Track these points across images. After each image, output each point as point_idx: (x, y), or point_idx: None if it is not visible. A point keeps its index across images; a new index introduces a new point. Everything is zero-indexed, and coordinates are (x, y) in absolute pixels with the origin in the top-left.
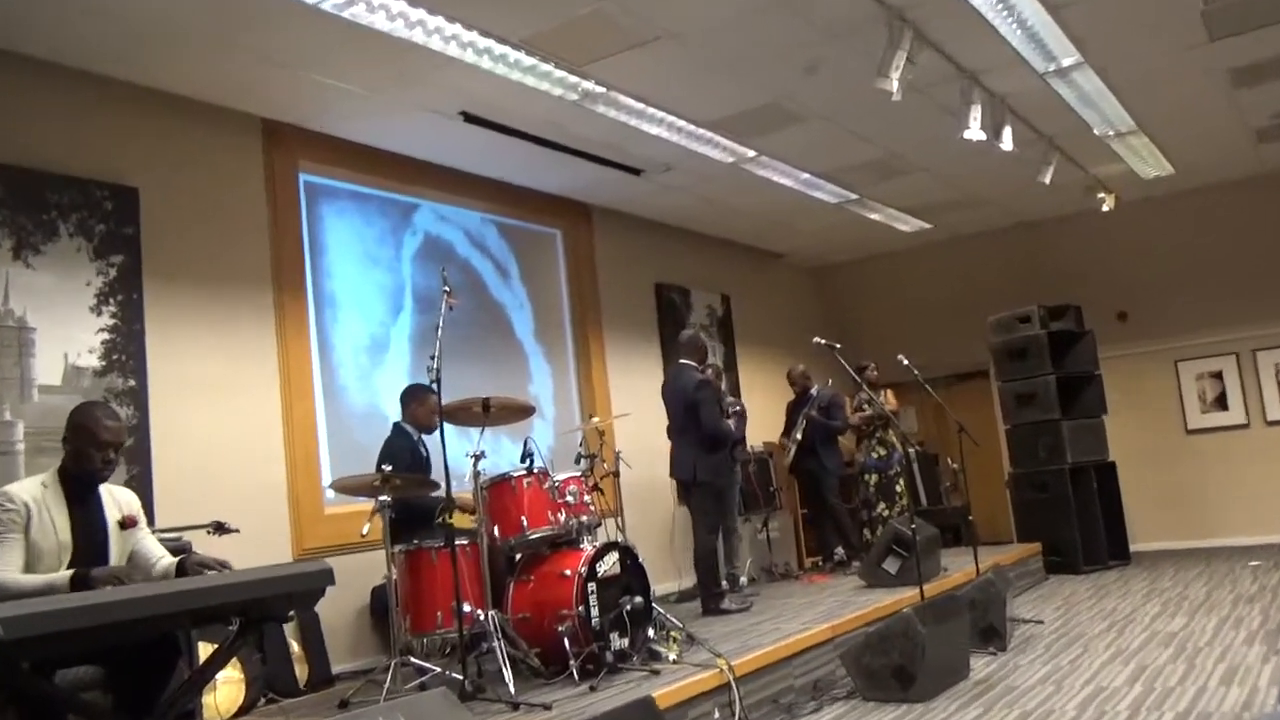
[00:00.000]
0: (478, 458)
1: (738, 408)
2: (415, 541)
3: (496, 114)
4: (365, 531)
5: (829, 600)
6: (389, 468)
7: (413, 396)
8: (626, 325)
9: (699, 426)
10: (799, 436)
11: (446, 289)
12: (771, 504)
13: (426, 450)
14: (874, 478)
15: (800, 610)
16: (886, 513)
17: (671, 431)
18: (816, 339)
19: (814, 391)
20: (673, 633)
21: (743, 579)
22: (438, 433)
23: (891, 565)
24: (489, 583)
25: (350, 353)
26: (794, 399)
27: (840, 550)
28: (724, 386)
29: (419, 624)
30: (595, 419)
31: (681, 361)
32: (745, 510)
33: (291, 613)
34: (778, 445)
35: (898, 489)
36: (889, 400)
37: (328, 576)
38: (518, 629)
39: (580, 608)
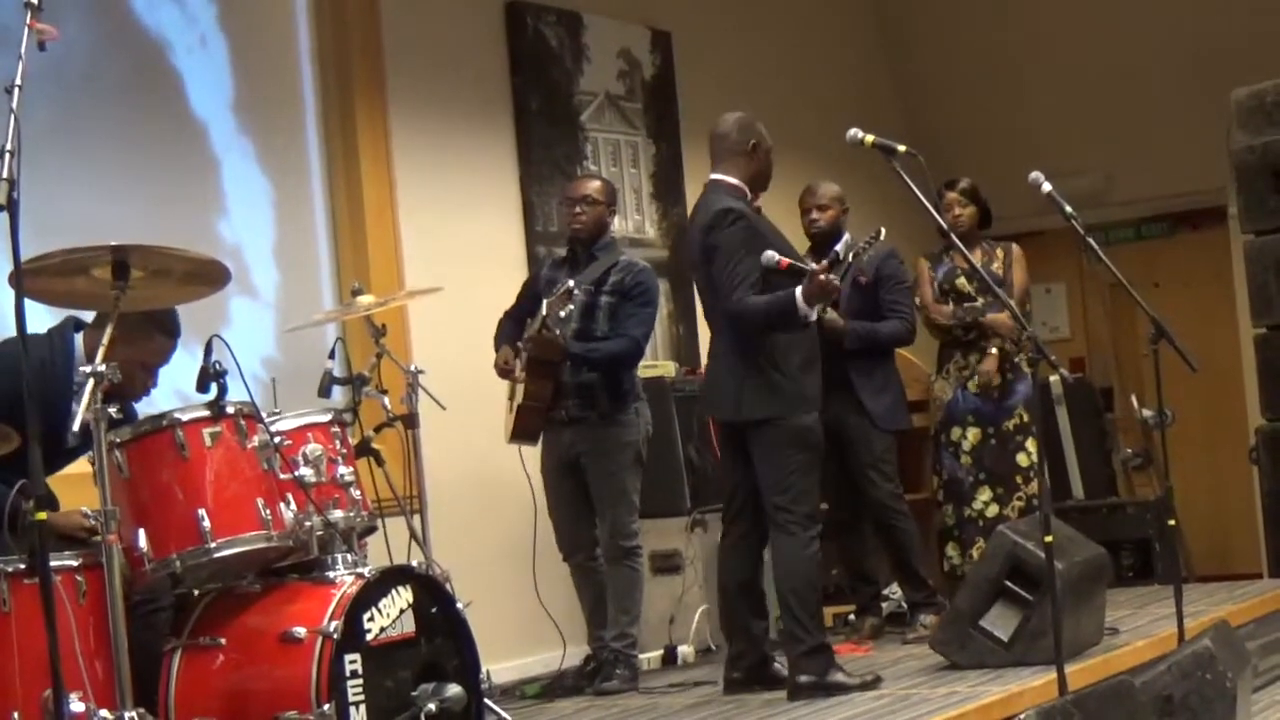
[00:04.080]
0: (98, 381)
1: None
2: None
3: None
4: None
5: (865, 699)
6: None
7: None
8: (441, 93)
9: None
10: None
11: (33, 1)
12: None
13: None
14: (971, 436)
15: None
16: (995, 510)
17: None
18: (855, 133)
19: (842, 249)
20: None
21: (683, 649)
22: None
23: (1002, 622)
24: (125, 654)
25: None
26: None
27: (896, 591)
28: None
29: None
30: (365, 298)
31: (714, 178)
32: (693, 506)
33: None
34: None
35: (1021, 459)
36: (1012, 269)
37: None
38: None
39: (326, 708)
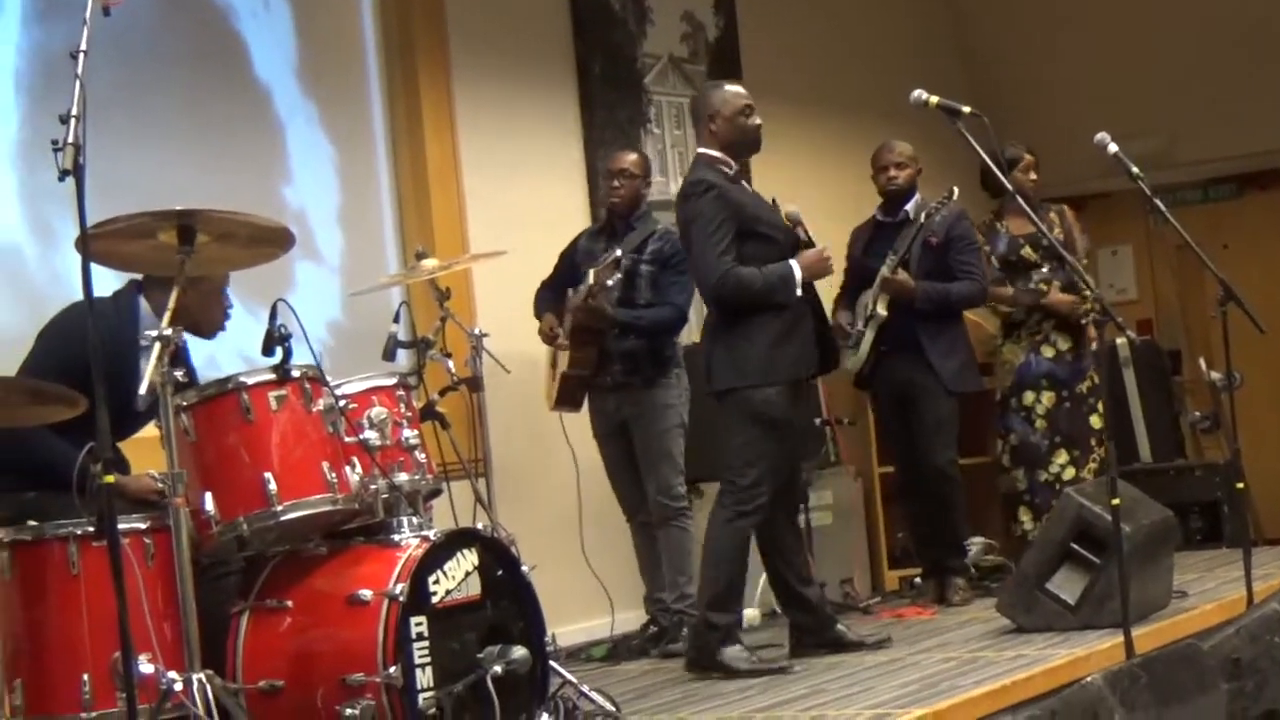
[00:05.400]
0: (165, 345)
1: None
2: (31, 526)
3: None
4: None
5: (932, 662)
6: None
7: None
8: (504, 56)
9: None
10: (881, 310)
11: None
12: (816, 457)
13: None
14: (1045, 399)
15: (869, 683)
16: (1071, 473)
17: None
18: (919, 94)
19: (913, 208)
20: None
21: (748, 613)
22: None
23: (1068, 585)
24: (193, 616)
25: None
26: (873, 220)
27: (966, 553)
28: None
29: (40, 700)
30: (429, 261)
31: (697, 152)
32: None
33: None
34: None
35: (1094, 421)
36: (1070, 233)
37: None
38: (257, 712)
39: (393, 671)
